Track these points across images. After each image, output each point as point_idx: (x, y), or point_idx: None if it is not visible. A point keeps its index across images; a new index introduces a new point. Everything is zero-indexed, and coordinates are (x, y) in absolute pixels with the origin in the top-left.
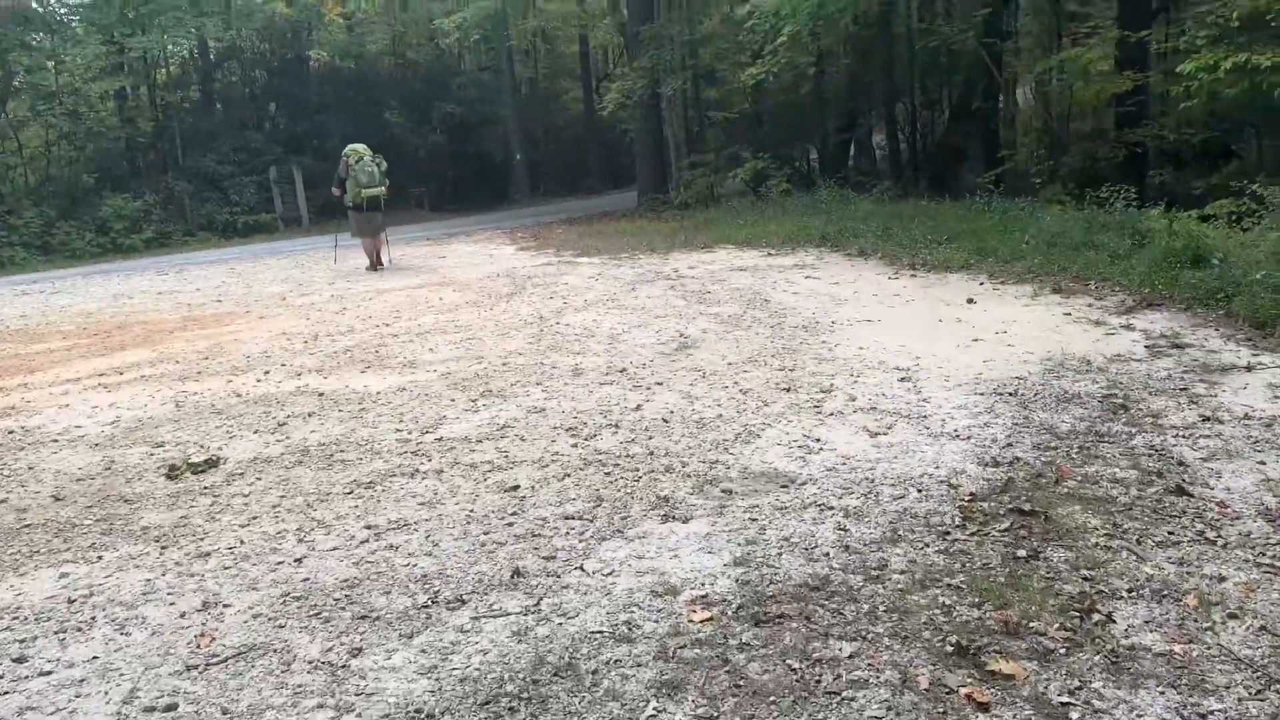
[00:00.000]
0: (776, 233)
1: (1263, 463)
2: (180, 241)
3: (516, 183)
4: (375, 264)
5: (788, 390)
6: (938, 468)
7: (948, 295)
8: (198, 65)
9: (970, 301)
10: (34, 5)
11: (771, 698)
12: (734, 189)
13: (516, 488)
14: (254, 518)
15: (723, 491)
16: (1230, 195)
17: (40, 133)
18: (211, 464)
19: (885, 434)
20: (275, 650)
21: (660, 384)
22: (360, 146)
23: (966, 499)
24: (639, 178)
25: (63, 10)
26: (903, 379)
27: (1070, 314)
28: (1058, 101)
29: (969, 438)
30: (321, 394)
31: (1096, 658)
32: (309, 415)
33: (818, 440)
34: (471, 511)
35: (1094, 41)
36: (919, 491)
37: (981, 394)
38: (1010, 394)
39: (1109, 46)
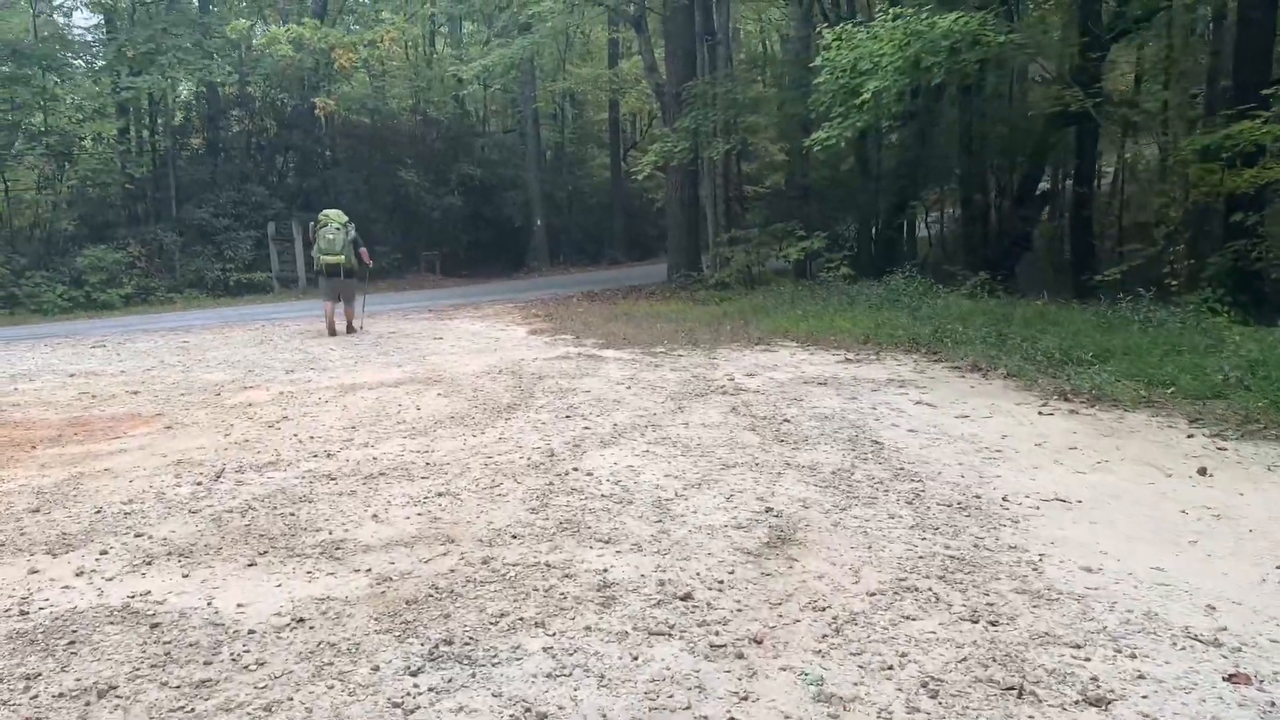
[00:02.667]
0: (848, 329)
1: None
2: (163, 299)
3: (535, 250)
4: (332, 329)
5: (1016, 694)
6: None
7: (1151, 453)
8: (203, 111)
9: (1202, 473)
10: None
11: None
12: (776, 269)
13: None
14: None
15: None
16: None
17: (28, 174)
18: None
19: None
20: None
21: (758, 643)
22: (333, 212)
23: None
24: (670, 250)
25: (58, 47)
26: (1229, 678)
27: None
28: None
29: None
30: (157, 624)
31: None
32: (100, 694)
33: None
34: None
35: (1269, 114)
36: None
37: None
38: None
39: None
